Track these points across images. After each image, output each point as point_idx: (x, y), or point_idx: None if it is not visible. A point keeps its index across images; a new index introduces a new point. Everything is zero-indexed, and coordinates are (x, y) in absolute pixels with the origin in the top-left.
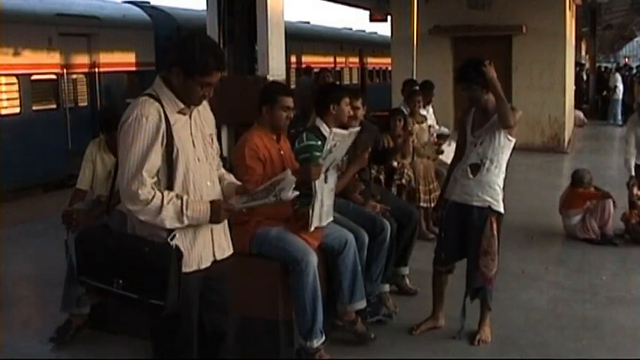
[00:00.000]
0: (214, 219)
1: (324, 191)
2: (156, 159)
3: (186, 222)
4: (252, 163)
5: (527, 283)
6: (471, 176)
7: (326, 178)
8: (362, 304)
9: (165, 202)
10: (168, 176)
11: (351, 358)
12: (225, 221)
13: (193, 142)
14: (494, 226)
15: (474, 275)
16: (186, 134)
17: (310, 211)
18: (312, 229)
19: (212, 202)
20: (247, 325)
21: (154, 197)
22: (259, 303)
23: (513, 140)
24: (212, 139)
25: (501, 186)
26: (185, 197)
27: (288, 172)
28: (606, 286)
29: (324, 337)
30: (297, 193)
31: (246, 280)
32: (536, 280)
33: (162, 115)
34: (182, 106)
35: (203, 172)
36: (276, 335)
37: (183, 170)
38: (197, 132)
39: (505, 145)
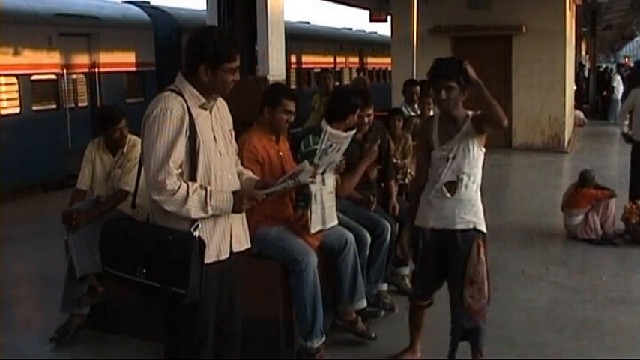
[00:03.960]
0: (237, 208)
1: (323, 194)
2: (181, 150)
3: (210, 212)
4: (249, 165)
5: (528, 283)
6: (448, 195)
7: (323, 180)
8: (362, 304)
9: (190, 192)
10: (190, 168)
11: (351, 358)
12: (244, 214)
13: (214, 136)
14: (482, 249)
15: (459, 311)
16: (207, 128)
17: (309, 213)
18: (314, 232)
19: (234, 192)
20: (247, 324)
21: (179, 188)
22: (259, 303)
23: (484, 152)
24: (231, 135)
25: (480, 199)
26: (209, 188)
27: (306, 163)
28: (606, 286)
29: (324, 337)
30: (313, 180)
31: (246, 280)
32: (536, 280)
33: (186, 108)
34: (203, 100)
35: (224, 165)
36: (276, 335)
37: (205, 162)
38: (217, 127)
39: (479, 158)
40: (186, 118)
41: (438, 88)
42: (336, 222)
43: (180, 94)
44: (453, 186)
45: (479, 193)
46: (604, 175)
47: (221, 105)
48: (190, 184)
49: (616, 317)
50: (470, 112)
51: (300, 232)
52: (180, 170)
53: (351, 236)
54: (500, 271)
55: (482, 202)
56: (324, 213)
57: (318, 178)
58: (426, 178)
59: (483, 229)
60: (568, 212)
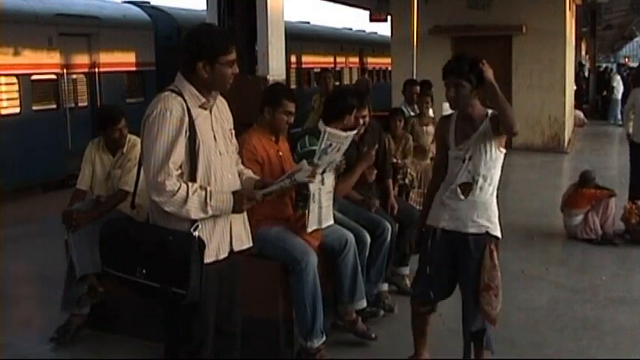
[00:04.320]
0: (237, 209)
1: (322, 193)
2: (180, 151)
3: (210, 212)
4: (249, 165)
5: (528, 283)
6: (462, 197)
7: (322, 180)
8: (362, 304)
9: (190, 193)
10: (190, 168)
11: (352, 358)
12: (245, 213)
13: (215, 136)
14: (495, 254)
15: (473, 316)
16: (207, 128)
17: (307, 212)
18: (310, 230)
19: (234, 193)
20: (247, 325)
21: (179, 188)
22: (259, 303)
23: (504, 152)
24: (232, 134)
25: (495, 202)
26: (209, 188)
27: (304, 162)
28: (606, 287)
29: (324, 337)
30: (311, 179)
31: (247, 280)
32: (536, 280)
33: (185, 108)
34: (203, 100)
35: (224, 165)
36: (276, 335)
37: (205, 163)
38: (217, 127)
39: (497, 159)
40: (186, 119)
41: (447, 86)
42: (332, 221)
43: (180, 94)
44: (467, 187)
45: (494, 195)
46: (604, 175)
47: (221, 104)
48: (190, 184)
49: (616, 317)
50: (489, 111)
51: (300, 231)
52: (180, 171)
53: (351, 236)
54: (500, 271)
55: (497, 205)
56: (321, 212)
57: (318, 178)
58: (443, 178)
59: (497, 233)
60: (568, 212)
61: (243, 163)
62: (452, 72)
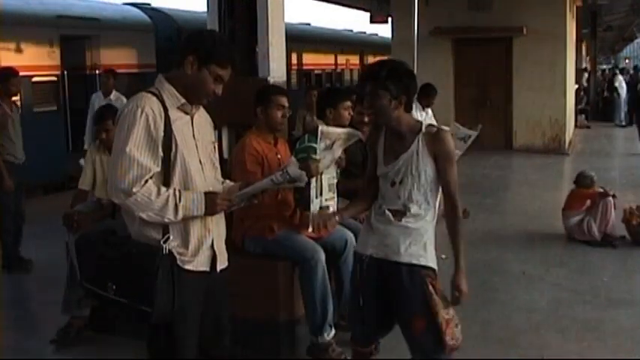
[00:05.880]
0: (210, 210)
1: (323, 191)
2: (150, 153)
3: (180, 213)
4: (252, 168)
5: (528, 284)
6: (392, 220)
7: (322, 180)
8: None
9: (155, 194)
10: (165, 172)
11: (352, 358)
12: (224, 231)
13: (196, 144)
14: (435, 289)
15: (416, 348)
16: (188, 134)
17: (309, 213)
18: (311, 229)
19: (207, 193)
20: (247, 325)
21: (145, 190)
22: (260, 303)
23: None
24: (214, 148)
25: (434, 228)
26: (177, 188)
27: (292, 159)
28: (607, 288)
29: (334, 331)
30: (309, 171)
31: (247, 280)
32: (537, 281)
33: (162, 109)
34: (183, 101)
35: (207, 175)
36: (276, 335)
37: (182, 169)
38: (199, 136)
39: (434, 180)
40: (160, 120)
41: (365, 94)
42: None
43: (159, 95)
44: (398, 212)
45: (433, 222)
46: (605, 176)
47: (204, 115)
48: (161, 187)
49: (617, 318)
50: (424, 123)
51: (301, 229)
52: (150, 174)
53: (351, 236)
54: (501, 273)
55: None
56: (323, 209)
57: (320, 176)
58: (375, 196)
59: (433, 265)
60: (565, 214)
61: (246, 167)
62: (367, 79)
